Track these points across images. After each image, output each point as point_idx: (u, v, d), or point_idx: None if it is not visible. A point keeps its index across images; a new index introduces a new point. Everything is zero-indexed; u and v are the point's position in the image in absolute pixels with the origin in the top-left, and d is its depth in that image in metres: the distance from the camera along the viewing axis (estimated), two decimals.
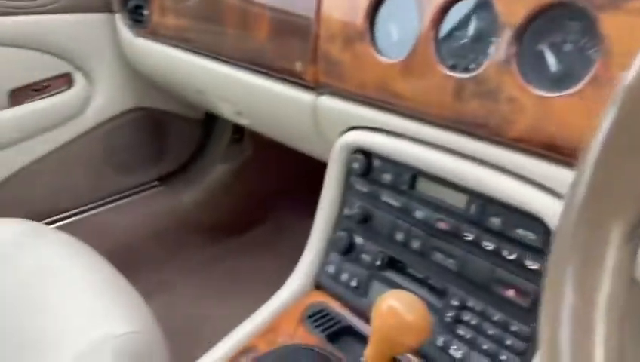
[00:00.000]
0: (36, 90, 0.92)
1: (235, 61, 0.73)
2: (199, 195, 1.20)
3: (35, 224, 0.79)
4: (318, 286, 0.62)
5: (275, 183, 1.29)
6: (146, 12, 0.85)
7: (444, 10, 0.48)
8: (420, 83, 0.50)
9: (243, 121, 0.84)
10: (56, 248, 0.75)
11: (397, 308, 0.42)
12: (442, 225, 0.52)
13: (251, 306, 1.11)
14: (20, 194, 0.97)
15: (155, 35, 0.86)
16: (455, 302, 0.51)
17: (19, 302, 0.67)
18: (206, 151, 1.22)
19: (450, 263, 0.51)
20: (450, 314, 0.51)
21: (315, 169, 1.32)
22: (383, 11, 0.54)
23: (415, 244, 0.54)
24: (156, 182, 1.18)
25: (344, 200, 0.62)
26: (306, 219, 1.31)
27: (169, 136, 1.16)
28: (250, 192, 1.25)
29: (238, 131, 1.20)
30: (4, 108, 0.91)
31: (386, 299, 0.44)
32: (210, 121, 1.20)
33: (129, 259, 0.83)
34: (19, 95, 0.92)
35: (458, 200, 0.51)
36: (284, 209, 1.29)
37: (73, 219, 1.07)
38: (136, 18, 0.88)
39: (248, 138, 1.21)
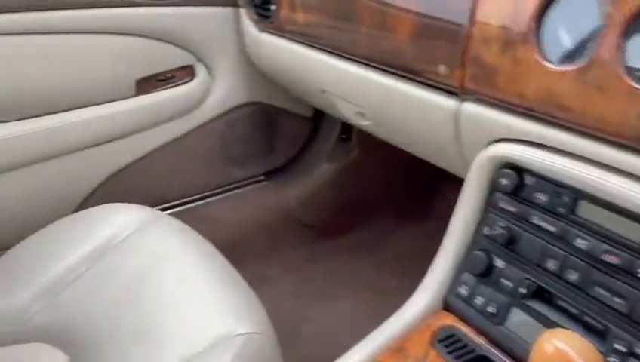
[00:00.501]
0: (161, 81, 0.95)
1: (367, 61, 0.70)
2: (303, 192, 1.19)
3: (155, 211, 0.81)
4: (446, 307, 0.58)
5: (379, 186, 1.25)
6: (272, 7, 0.84)
7: (638, 15, 0.42)
8: (598, 96, 0.44)
9: (364, 123, 0.81)
10: (174, 236, 0.76)
11: (567, 352, 0.37)
12: (610, 258, 0.45)
13: (349, 310, 1.09)
14: (136, 181, 1.00)
15: (281, 30, 0.85)
16: (620, 347, 0.45)
17: (138, 288, 0.68)
18: (312, 149, 1.20)
19: (616, 302, 0.45)
20: (613, 361, 0.45)
21: (422, 175, 1.28)
22: (554, 12, 0.49)
23: (572, 276, 0.48)
24: (262, 177, 1.19)
25: (483, 218, 0.57)
26: (407, 226, 1.28)
27: (278, 131, 1.15)
28: (353, 193, 1.23)
29: (346, 131, 1.17)
30: (131, 96, 0.95)
31: (551, 340, 0.39)
32: (318, 119, 1.19)
33: (232, 251, 0.83)
34: (144, 84, 0.94)
35: (633, 231, 0.45)
36: (387, 214, 1.25)
37: (181, 208, 1.09)
38: (262, 13, 0.88)
39: (356, 138, 1.18)
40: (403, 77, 0.65)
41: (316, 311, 1.05)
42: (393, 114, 0.72)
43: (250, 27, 0.93)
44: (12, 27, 0.81)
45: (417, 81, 0.63)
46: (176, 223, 0.79)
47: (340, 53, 0.74)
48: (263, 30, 0.90)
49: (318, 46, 0.78)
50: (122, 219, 0.78)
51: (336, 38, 0.74)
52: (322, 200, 1.20)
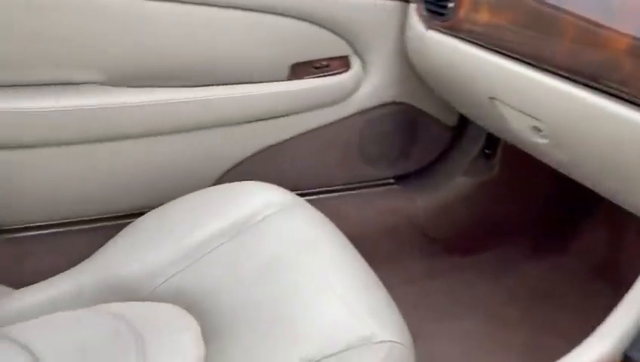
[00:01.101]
0: (316, 68, 0.94)
1: (565, 73, 0.64)
2: (433, 203, 1.13)
3: (295, 196, 0.80)
4: (626, 358, 0.51)
5: (515, 211, 1.17)
6: (450, 4, 0.80)
7: None
8: None
9: (538, 141, 0.74)
10: (315, 225, 0.74)
11: None
12: None
13: (464, 333, 1.02)
14: (271, 165, 1.00)
15: (456, 29, 0.80)
16: None
17: (274, 272, 0.67)
18: (450, 159, 1.14)
19: None
20: None
21: (566, 207, 1.17)
22: None
23: None
24: (392, 180, 1.15)
25: None
26: (540, 259, 1.18)
27: (417, 136, 1.11)
28: (486, 213, 1.15)
29: (491, 146, 1.10)
30: (283, 80, 0.94)
31: None
32: (461, 129, 1.13)
33: None
34: (299, 69, 0.94)
35: None
36: (519, 242, 1.16)
37: (308, 198, 1.08)
38: (436, 10, 0.83)
39: (500, 155, 1.11)
40: (612, 95, 0.58)
41: (431, 327, 0.99)
42: (584, 135, 0.65)
43: (416, 23, 0.89)
44: None
45: (633, 102, 0.56)
46: (317, 212, 0.77)
47: (530, 62, 0.68)
48: (430, 27, 0.86)
49: (501, 50, 0.72)
50: (263, 198, 0.77)
51: (529, 45, 0.68)
52: (452, 215, 1.14)
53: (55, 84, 0.80)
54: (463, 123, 1.11)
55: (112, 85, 0.83)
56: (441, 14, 0.82)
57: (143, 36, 0.82)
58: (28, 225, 0.85)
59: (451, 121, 1.11)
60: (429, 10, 0.85)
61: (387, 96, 1.02)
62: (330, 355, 0.54)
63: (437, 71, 0.91)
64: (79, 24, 0.78)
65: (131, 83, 0.85)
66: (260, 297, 0.63)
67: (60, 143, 0.81)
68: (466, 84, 0.85)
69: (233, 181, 0.86)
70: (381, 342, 0.55)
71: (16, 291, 0.73)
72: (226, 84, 0.91)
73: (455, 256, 1.13)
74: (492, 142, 1.10)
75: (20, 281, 0.75)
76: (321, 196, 1.06)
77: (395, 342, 0.55)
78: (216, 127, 0.91)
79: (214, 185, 0.93)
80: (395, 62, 0.98)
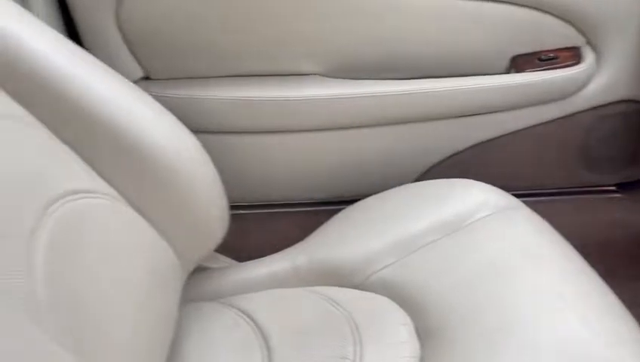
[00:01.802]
0: (541, 60, 0.86)
1: None
2: None
3: (511, 197, 0.75)
4: None
5: None
6: None
7: None
8: None
9: None
10: (537, 231, 0.69)
11: None
12: None
13: None
14: (478, 162, 0.95)
15: None
16: None
17: (493, 277, 0.63)
18: None
19: None
20: None
21: None
22: None
23: None
24: (613, 188, 1.02)
25: None
26: None
27: None
28: None
29: None
30: (502, 73, 0.89)
31: None
32: None
33: None
34: (522, 61, 0.87)
35: None
36: None
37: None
38: None
39: None
40: None
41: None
42: None
43: None
44: None
45: None
46: (538, 217, 0.71)
47: None
48: None
49: None
50: (478, 197, 0.74)
51: None
52: None
53: (279, 75, 0.86)
54: None
55: (329, 76, 0.86)
56: None
57: (359, 28, 0.83)
58: (251, 203, 0.93)
59: None
60: None
61: (620, 93, 0.90)
62: None
63: None
64: (300, 17, 0.81)
65: (346, 75, 0.87)
66: (479, 301, 0.60)
67: (280, 130, 0.86)
68: None
69: (438, 177, 0.83)
70: None
71: (239, 264, 0.80)
72: (438, 77, 0.88)
73: None
74: None
75: (240, 255, 0.82)
76: (531, 199, 0.98)
77: None
78: (425, 121, 0.89)
79: (419, 179, 0.92)
80: (634, 55, 0.86)
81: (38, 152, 0.53)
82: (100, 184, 0.58)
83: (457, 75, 0.87)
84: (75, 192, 0.53)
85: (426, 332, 0.61)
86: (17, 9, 0.59)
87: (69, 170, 0.56)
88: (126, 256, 0.57)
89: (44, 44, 0.58)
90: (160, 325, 0.59)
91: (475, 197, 0.73)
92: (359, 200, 0.82)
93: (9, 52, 0.55)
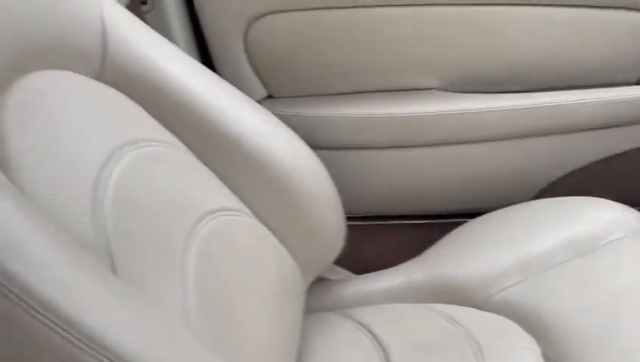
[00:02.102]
0: None
1: None
2: None
3: None
4: None
5: None
6: None
7: None
8: None
9: None
10: None
11: None
12: None
13: None
14: (601, 179, 0.90)
15: None
16: None
17: (628, 302, 0.60)
18: None
19: None
20: None
21: None
22: None
23: None
24: None
25: None
26: None
27: None
28: None
29: None
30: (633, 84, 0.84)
31: None
32: None
33: None
34: None
35: None
36: None
37: None
38: None
39: None
40: None
41: None
42: None
43: None
44: None
45: None
46: None
47: None
48: None
49: None
50: (608, 217, 0.70)
51: None
52: None
53: (398, 90, 0.87)
54: None
55: (448, 91, 0.86)
56: None
57: (478, 42, 0.83)
58: (367, 214, 0.95)
59: None
60: None
61: None
62: None
63: None
64: (419, 34, 0.82)
65: (465, 89, 0.86)
66: (614, 328, 0.58)
67: (399, 146, 0.87)
68: None
69: (560, 193, 0.81)
70: None
71: (357, 277, 0.82)
72: (561, 89, 0.85)
73: None
74: None
75: (356, 267, 0.85)
76: None
77: None
78: (548, 135, 0.86)
79: (539, 195, 0.89)
80: None
81: (187, 174, 0.59)
82: (234, 201, 0.63)
83: (583, 87, 0.84)
84: (217, 211, 0.58)
85: (553, 359, 0.59)
86: (159, 38, 0.65)
87: (209, 189, 0.62)
88: (259, 267, 0.62)
89: (181, 70, 0.63)
90: (289, 332, 0.63)
91: (606, 217, 0.70)
92: (476, 215, 0.81)
93: (152, 79, 0.61)
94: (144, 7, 0.74)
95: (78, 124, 0.49)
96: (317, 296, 0.77)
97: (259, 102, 0.84)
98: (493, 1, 0.80)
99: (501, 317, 0.66)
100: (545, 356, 0.60)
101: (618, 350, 0.55)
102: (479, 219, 0.79)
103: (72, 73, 0.53)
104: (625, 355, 0.54)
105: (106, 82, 0.57)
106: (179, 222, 0.52)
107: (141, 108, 0.59)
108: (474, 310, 0.68)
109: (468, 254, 0.73)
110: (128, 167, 0.50)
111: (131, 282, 0.41)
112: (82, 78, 0.54)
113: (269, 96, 0.91)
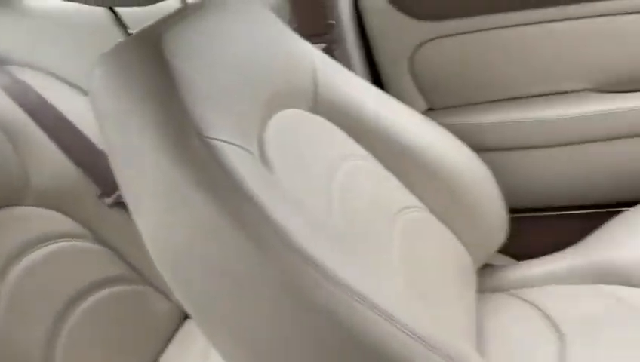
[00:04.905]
0: None
1: None
2: None
3: None
4: None
5: None
6: None
7: None
8: None
9: None
10: None
11: None
12: None
13: None
14: None
15: None
16: None
17: None
18: None
19: None
20: None
21: None
22: None
23: None
24: None
25: None
26: None
27: None
28: None
29: None
30: None
31: None
32: None
33: None
34: None
35: None
36: None
37: None
38: None
39: None
40: None
41: None
42: None
43: None
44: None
45: None
46: None
47: None
48: None
49: None
50: None
51: None
52: None
53: (554, 94, 0.96)
54: None
55: (601, 91, 0.94)
56: None
57: (628, 45, 0.89)
58: (527, 207, 1.06)
59: None
60: None
61: None
62: None
63: None
64: (565, 45, 0.91)
65: (617, 88, 0.93)
66: None
67: (555, 145, 0.97)
68: None
69: None
70: None
71: (520, 262, 0.93)
72: None
73: None
74: None
75: (519, 254, 0.95)
76: None
77: None
78: None
79: None
80: None
81: (380, 180, 0.75)
82: (415, 200, 0.78)
83: None
84: (405, 208, 0.73)
85: None
86: (350, 75, 0.81)
87: (398, 191, 0.77)
88: (440, 255, 0.76)
89: (370, 99, 0.78)
90: (469, 313, 0.76)
91: None
92: (629, 205, 0.87)
93: (351, 110, 0.76)
94: (333, 47, 0.92)
95: (309, 146, 0.67)
96: (484, 280, 0.89)
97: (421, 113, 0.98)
98: (623, 10, 0.87)
99: None
100: None
101: None
102: (633, 209, 0.85)
103: (299, 110, 0.71)
104: None
105: (320, 114, 0.74)
106: (380, 214, 0.68)
107: (344, 133, 0.75)
108: (636, 289, 0.76)
109: (625, 240, 0.81)
110: (343, 174, 0.66)
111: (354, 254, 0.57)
112: (306, 113, 0.72)
113: (430, 109, 1.05)
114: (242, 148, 0.49)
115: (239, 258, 0.45)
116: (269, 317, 0.47)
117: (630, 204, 0.88)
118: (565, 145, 0.96)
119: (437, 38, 0.96)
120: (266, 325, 0.47)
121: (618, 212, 0.87)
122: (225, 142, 0.47)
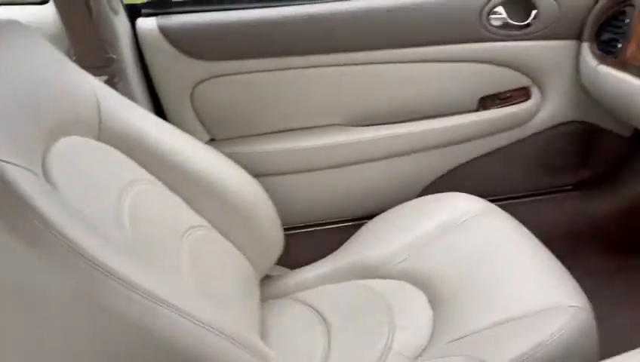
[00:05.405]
0: (501, 99, 1.16)
1: None
2: (611, 207, 1.26)
3: (488, 203, 1.01)
4: None
5: None
6: (619, 45, 0.97)
7: None
8: None
9: None
10: (507, 225, 0.95)
11: None
12: None
13: None
14: (464, 178, 1.23)
15: (623, 66, 0.97)
16: None
17: (478, 257, 0.89)
18: (628, 166, 1.27)
19: None
20: None
21: None
22: None
23: None
24: (570, 187, 1.30)
25: None
26: None
27: (594, 147, 1.25)
28: None
29: None
30: (473, 111, 1.18)
31: None
32: (638, 138, 1.25)
33: None
34: (486, 102, 1.17)
35: None
36: None
37: (497, 204, 1.29)
38: (607, 49, 1.00)
39: None
40: None
41: (611, 311, 1.11)
42: None
43: (589, 59, 1.06)
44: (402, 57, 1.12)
45: None
46: (507, 215, 0.98)
47: None
48: (602, 63, 1.03)
49: None
50: (464, 205, 1.00)
51: None
52: (632, 219, 1.25)
53: (311, 128, 1.15)
54: (639, 133, 1.23)
55: (348, 125, 1.16)
56: (610, 52, 0.98)
57: (371, 89, 1.13)
58: (296, 224, 1.21)
59: (626, 132, 1.23)
60: (600, 49, 1.02)
61: (563, 116, 1.19)
62: (531, 312, 0.74)
63: (609, 97, 1.06)
64: (323, 86, 1.12)
65: (361, 123, 1.16)
66: (472, 274, 0.85)
67: (314, 169, 1.15)
68: (633, 106, 0.99)
69: (435, 192, 1.10)
70: (571, 306, 0.73)
71: (292, 271, 1.07)
72: (430, 118, 1.17)
73: (634, 255, 1.24)
74: None
75: (294, 264, 1.09)
76: (504, 202, 1.26)
77: (582, 307, 0.73)
78: (422, 151, 1.18)
79: (419, 195, 1.20)
80: (571, 90, 1.16)
81: (167, 201, 0.81)
82: (199, 219, 0.86)
83: (443, 115, 1.17)
84: (193, 227, 0.81)
85: (436, 302, 0.87)
86: (133, 105, 0.86)
87: (183, 211, 0.84)
88: (225, 268, 0.85)
89: (152, 127, 0.84)
90: (255, 312, 0.86)
91: (462, 205, 1.00)
92: (374, 216, 1.10)
93: (134, 137, 0.81)
94: (115, 80, 0.96)
95: (95, 171, 0.70)
96: (265, 288, 1.00)
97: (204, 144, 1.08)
98: (376, 60, 1.10)
99: (401, 282, 0.93)
100: (430, 301, 0.88)
101: (472, 289, 0.84)
102: (376, 218, 1.07)
103: (84, 138, 0.74)
104: (477, 292, 0.83)
105: (105, 141, 0.78)
106: (170, 231, 0.75)
107: (130, 159, 0.80)
108: (382, 280, 0.95)
109: (374, 242, 1.01)
110: (132, 196, 0.72)
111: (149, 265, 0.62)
112: (91, 140, 0.75)
113: (212, 139, 1.15)
114: (25, 168, 0.51)
115: (29, 272, 0.47)
116: (62, 329, 0.49)
117: (374, 214, 1.10)
118: (323, 169, 1.16)
119: (213, 77, 1.07)
120: (60, 337, 0.50)
121: (365, 222, 1.08)
122: (5, 162, 0.49)
